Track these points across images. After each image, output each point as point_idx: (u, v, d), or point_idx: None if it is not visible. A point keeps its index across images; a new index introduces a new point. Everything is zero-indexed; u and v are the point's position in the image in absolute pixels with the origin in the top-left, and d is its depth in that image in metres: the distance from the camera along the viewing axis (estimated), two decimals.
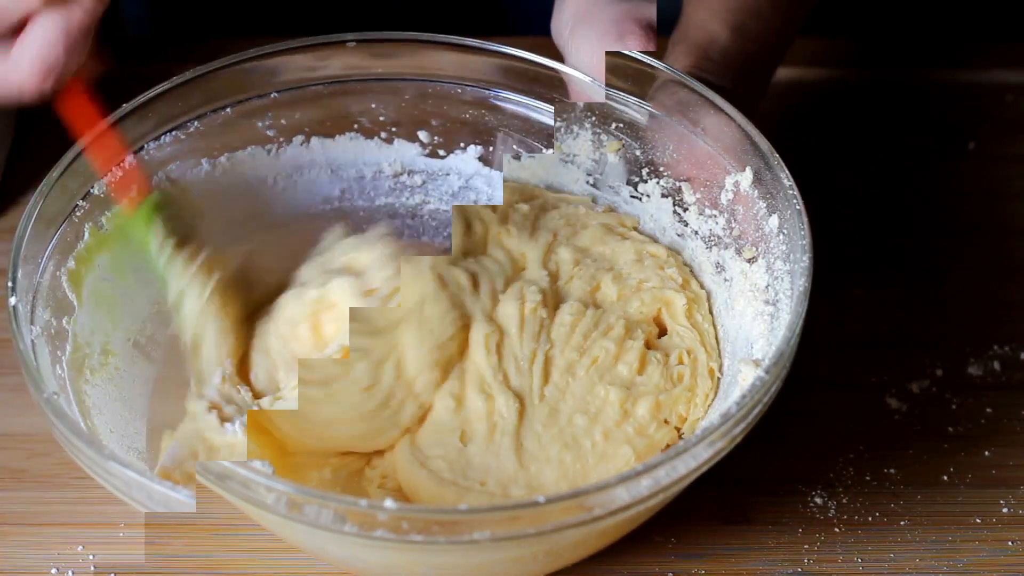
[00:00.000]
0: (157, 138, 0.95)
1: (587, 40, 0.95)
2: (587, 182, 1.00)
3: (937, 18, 1.37)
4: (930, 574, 0.92)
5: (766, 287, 0.91)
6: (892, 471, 0.97)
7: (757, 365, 0.86)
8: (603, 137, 0.98)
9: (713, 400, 0.91)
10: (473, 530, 0.77)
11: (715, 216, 0.95)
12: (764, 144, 0.92)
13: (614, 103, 0.96)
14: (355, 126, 1.00)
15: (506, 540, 0.78)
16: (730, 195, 0.94)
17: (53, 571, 0.90)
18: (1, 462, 0.96)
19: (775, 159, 0.91)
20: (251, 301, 0.95)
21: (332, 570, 0.90)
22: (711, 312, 0.95)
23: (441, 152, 1.01)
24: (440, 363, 0.90)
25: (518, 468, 0.86)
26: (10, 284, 0.85)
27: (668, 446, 0.89)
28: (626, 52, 0.94)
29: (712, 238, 0.95)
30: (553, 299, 0.94)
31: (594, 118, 0.98)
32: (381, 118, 1.00)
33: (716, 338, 0.93)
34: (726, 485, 0.94)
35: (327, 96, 0.99)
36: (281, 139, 0.99)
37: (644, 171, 0.98)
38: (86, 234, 0.92)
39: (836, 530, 0.94)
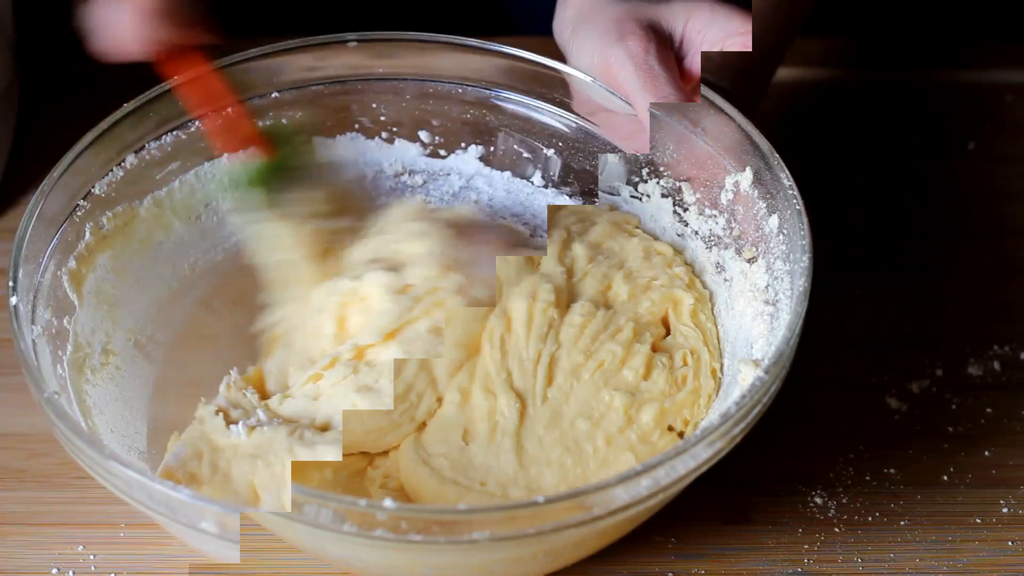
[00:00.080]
0: (158, 138, 0.95)
1: (588, 40, 0.95)
2: None
3: (937, 18, 1.37)
4: (930, 574, 0.92)
5: (766, 287, 0.91)
6: (892, 471, 0.97)
7: (757, 365, 0.86)
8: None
9: (714, 400, 0.91)
10: (472, 530, 0.77)
11: (715, 216, 0.95)
12: (764, 144, 0.92)
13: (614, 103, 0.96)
14: (356, 126, 1.00)
15: (505, 540, 0.78)
16: (730, 195, 0.94)
17: (54, 571, 0.90)
18: (1, 462, 0.96)
19: (775, 159, 0.91)
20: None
21: (332, 570, 0.90)
22: (712, 312, 0.95)
23: (442, 152, 1.01)
24: (465, 348, 0.90)
25: (518, 469, 0.86)
26: (11, 284, 0.85)
27: None
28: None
29: (712, 238, 0.95)
30: (567, 297, 0.93)
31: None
32: (382, 118, 1.00)
33: (717, 338, 0.93)
34: (726, 485, 0.94)
35: (328, 96, 0.99)
36: None
37: (644, 171, 0.98)
38: (87, 234, 0.92)
39: (836, 530, 0.94)
